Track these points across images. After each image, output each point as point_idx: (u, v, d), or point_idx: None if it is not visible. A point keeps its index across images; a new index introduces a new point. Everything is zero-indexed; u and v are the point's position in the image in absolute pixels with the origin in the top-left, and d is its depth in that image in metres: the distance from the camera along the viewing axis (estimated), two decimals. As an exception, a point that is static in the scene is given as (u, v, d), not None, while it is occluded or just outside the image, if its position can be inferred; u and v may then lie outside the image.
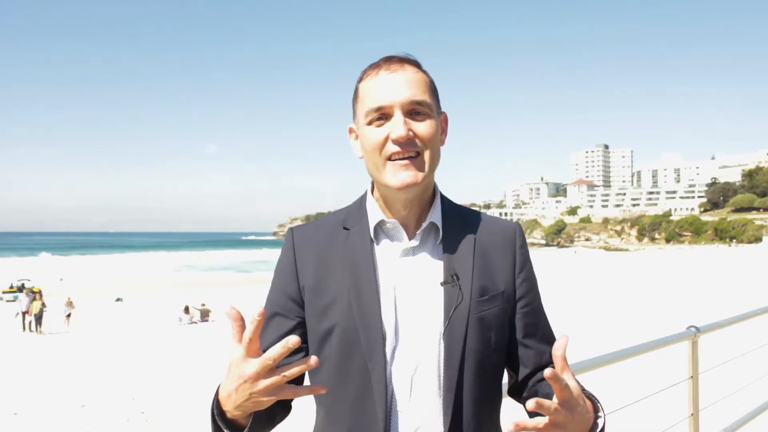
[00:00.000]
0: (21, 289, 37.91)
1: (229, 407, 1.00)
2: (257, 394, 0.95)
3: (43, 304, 20.15)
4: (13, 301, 34.64)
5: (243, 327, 0.95)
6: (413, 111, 1.14)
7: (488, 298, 1.17)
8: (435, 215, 1.21)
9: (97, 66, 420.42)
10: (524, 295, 1.24)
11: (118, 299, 32.05)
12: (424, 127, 1.14)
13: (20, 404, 9.73)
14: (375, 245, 1.20)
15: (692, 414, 3.05)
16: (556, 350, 0.96)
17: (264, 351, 1.19)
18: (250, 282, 43.22)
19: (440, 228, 1.21)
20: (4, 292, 37.67)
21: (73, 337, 18.15)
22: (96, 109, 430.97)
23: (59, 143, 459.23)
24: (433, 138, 1.16)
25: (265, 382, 0.94)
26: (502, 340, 1.20)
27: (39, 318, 19.82)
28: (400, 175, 1.13)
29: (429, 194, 1.23)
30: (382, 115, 1.14)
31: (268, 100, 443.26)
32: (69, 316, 21.26)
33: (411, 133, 1.13)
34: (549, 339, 1.27)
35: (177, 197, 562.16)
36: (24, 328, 20.33)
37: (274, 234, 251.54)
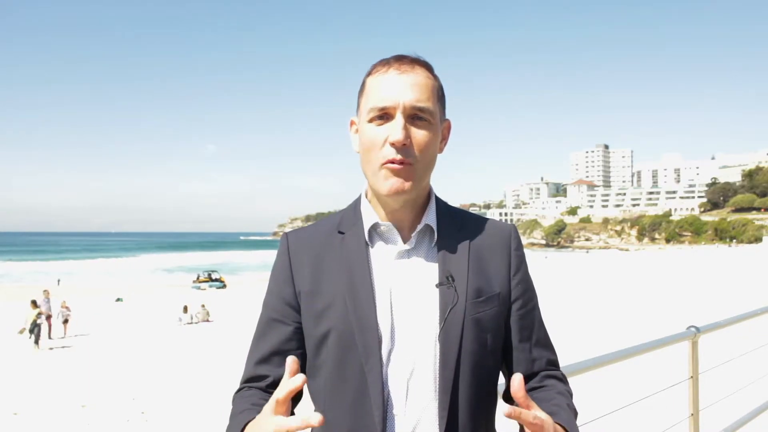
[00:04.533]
0: (211, 278, 42.17)
1: None
2: None
3: (39, 315, 16.87)
4: (206, 290, 38.70)
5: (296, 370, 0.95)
6: (415, 116, 1.13)
7: (484, 299, 1.16)
8: (430, 217, 1.21)
9: (97, 66, 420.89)
10: (519, 297, 1.23)
11: (118, 299, 32.03)
12: (422, 135, 1.14)
13: (20, 404, 9.74)
14: (370, 248, 1.19)
15: (692, 414, 3.04)
16: (516, 391, 0.96)
17: (267, 356, 1.20)
18: (249, 283, 43.32)
19: (435, 230, 1.20)
20: (197, 282, 41.62)
21: (74, 349, 16.59)
22: (96, 109, 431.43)
23: (59, 143, 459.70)
24: (429, 147, 1.15)
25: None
26: (497, 342, 1.20)
27: (36, 331, 16.70)
28: (390, 181, 1.12)
29: (423, 197, 1.22)
30: (384, 115, 1.13)
31: (268, 100, 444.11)
32: (66, 322, 19.23)
33: (409, 139, 1.12)
34: (544, 344, 1.26)
35: (177, 197, 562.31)
36: (48, 335, 18.04)
37: (274, 234, 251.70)
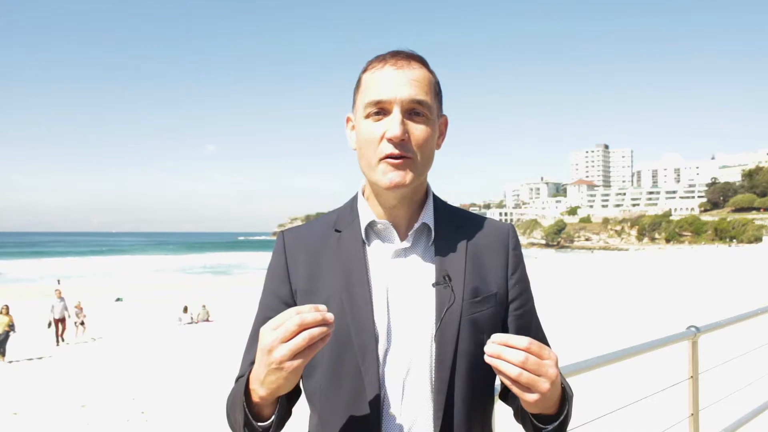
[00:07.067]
0: None
1: (256, 386, 0.99)
2: (286, 357, 0.93)
3: (10, 324, 14.87)
4: None
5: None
6: (413, 111, 1.12)
7: (481, 299, 1.15)
8: (427, 216, 1.20)
9: (97, 66, 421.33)
10: (517, 297, 1.22)
11: (118, 299, 32.01)
12: (420, 130, 1.12)
13: (20, 404, 9.73)
14: (366, 247, 1.18)
15: (692, 414, 3.04)
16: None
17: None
18: (249, 283, 43.35)
19: (432, 229, 1.19)
20: None
21: (72, 350, 15.90)
22: (96, 109, 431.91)
23: (59, 143, 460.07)
24: (427, 142, 1.14)
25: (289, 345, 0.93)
26: None
27: (2, 342, 14.58)
28: (390, 174, 1.11)
29: (421, 195, 1.21)
30: (381, 110, 1.12)
31: (268, 100, 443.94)
32: (82, 324, 18.25)
33: (406, 134, 1.11)
34: None
35: (177, 197, 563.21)
36: (57, 341, 17.21)
37: (274, 234, 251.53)
